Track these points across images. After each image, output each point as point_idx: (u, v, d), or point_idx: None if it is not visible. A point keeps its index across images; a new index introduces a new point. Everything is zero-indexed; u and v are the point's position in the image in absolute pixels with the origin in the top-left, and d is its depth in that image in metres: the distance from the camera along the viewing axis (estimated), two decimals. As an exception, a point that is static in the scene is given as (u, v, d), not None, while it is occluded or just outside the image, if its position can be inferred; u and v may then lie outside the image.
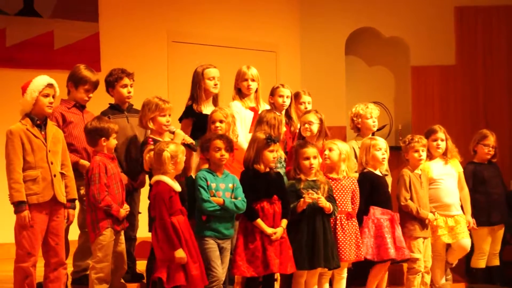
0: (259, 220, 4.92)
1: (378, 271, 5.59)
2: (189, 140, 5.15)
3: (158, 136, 5.12)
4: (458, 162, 6.32)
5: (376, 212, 5.52)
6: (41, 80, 4.71)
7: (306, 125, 5.65)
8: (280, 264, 4.93)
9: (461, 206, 6.26)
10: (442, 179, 6.14)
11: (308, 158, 5.18)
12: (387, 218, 5.54)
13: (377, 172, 5.67)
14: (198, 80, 5.64)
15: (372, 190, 5.54)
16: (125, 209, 4.85)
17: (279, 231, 4.94)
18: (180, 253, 4.55)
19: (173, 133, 5.18)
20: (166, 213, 4.58)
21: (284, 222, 5.00)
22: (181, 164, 4.71)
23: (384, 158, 5.66)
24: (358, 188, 5.46)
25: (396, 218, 5.60)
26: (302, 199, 5.08)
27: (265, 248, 4.89)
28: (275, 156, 5.05)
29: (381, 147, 5.65)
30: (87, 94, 5.33)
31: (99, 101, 5.54)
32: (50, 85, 4.72)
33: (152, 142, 5.01)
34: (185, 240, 4.60)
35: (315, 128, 5.65)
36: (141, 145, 5.13)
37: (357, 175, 5.58)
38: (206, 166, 5.01)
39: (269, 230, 4.91)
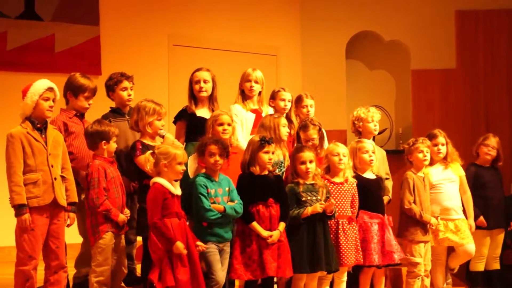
0: (254, 223, 4.91)
1: (366, 275, 5.60)
2: (178, 144, 5.15)
3: (150, 140, 5.12)
4: (459, 166, 6.32)
5: (364, 216, 5.51)
6: (41, 84, 4.72)
7: (310, 142, 5.64)
8: (279, 268, 4.91)
9: (463, 210, 6.26)
10: (441, 184, 6.14)
11: (304, 163, 5.18)
12: (377, 222, 5.53)
13: (368, 174, 5.65)
14: (189, 83, 5.69)
15: (360, 194, 5.51)
16: (125, 214, 4.84)
17: (275, 234, 4.92)
18: (178, 246, 4.51)
19: (163, 137, 5.18)
20: (156, 214, 4.55)
21: (282, 225, 4.98)
22: (174, 168, 4.64)
23: (372, 160, 5.64)
24: (357, 193, 5.46)
25: (386, 222, 5.58)
26: (310, 208, 5.06)
27: (261, 252, 4.88)
28: (271, 157, 5.02)
29: (368, 149, 5.63)
30: (87, 101, 5.32)
31: (99, 106, 5.54)
32: (50, 89, 4.74)
33: (141, 147, 5.03)
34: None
35: (316, 140, 5.68)
36: (131, 149, 5.12)
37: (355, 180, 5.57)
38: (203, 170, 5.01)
39: (265, 233, 4.90)
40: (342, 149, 5.41)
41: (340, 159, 5.39)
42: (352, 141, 5.86)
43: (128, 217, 4.89)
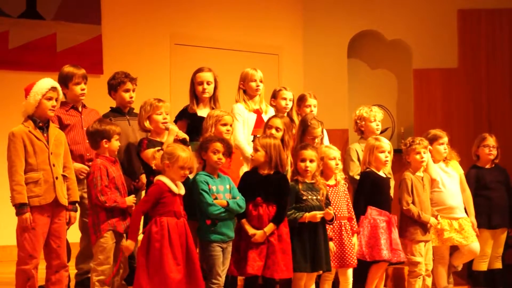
0: (243, 220, 4.92)
1: (375, 272, 5.59)
2: (182, 135, 5.14)
3: (157, 137, 5.12)
4: (458, 164, 6.32)
5: (373, 212, 5.52)
6: (45, 83, 4.71)
7: (316, 140, 5.66)
8: (267, 268, 4.88)
9: (465, 209, 6.26)
10: (444, 182, 6.13)
11: (304, 160, 5.17)
12: (384, 219, 5.54)
13: (380, 173, 5.67)
14: (191, 83, 5.69)
15: (372, 190, 5.54)
16: (130, 199, 4.83)
17: (258, 233, 4.89)
18: (127, 242, 4.61)
19: (168, 129, 5.18)
20: (141, 205, 4.62)
21: (269, 226, 4.91)
22: (175, 170, 4.64)
23: (387, 160, 5.66)
24: (347, 192, 5.49)
25: (393, 221, 5.59)
26: (307, 214, 5.05)
27: (248, 249, 4.88)
28: (252, 155, 5.03)
29: (385, 149, 5.65)
30: (80, 87, 5.29)
31: (99, 103, 5.55)
32: (53, 89, 4.73)
33: (146, 142, 5.05)
34: (171, 242, 4.55)
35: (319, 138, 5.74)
36: (137, 146, 5.14)
37: (343, 181, 5.58)
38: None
39: (250, 231, 4.90)
40: (337, 153, 5.44)
41: (337, 164, 5.42)
42: (370, 137, 5.84)
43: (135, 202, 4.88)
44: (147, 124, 5.12)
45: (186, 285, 4.57)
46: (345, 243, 5.30)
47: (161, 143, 5.02)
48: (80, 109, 5.34)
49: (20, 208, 4.52)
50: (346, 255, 5.29)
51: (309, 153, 5.18)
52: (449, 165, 6.24)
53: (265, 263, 4.88)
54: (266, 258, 4.89)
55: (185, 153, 4.67)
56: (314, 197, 5.13)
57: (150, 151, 4.96)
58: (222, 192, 4.85)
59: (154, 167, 4.78)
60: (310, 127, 5.67)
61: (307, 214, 5.05)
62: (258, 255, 4.87)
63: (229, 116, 5.30)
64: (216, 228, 4.79)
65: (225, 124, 5.24)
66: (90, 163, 5.12)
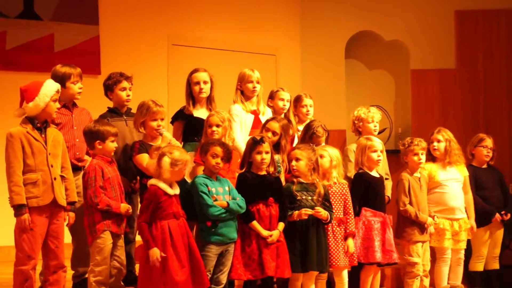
0: (254, 222, 4.90)
1: (367, 273, 5.57)
2: (175, 142, 5.15)
3: (150, 140, 5.14)
4: (464, 166, 6.31)
5: (367, 214, 5.51)
6: (52, 86, 4.73)
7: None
8: (278, 268, 4.90)
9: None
10: (447, 183, 6.13)
11: (291, 160, 5.20)
12: (379, 220, 5.52)
13: (373, 173, 5.66)
14: (187, 84, 5.70)
15: (366, 191, 5.52)
16: (125, 207, 4.83)
17: (275, 233, 4.91)
18: (153, 253, 4.48)
19: (162, 135, 5.18)
20: (143, 216, 4.54)
21: (281, 225, 4.97)
22: (181, 173, 4.65)
23: (379, 160, 5.65)
24: (349, 193, 5.45)
25: (388, 221, 5.57)
26: (296, 212, 5.06)
27: (261, 251, 4.87)
28: (264, 157, 4.98)
29: (377, 149, 5.63)
30: (78, 85, 5.31)
31: (98, 105, 5.55)
32: (58, 91, 4.76)
33: (138, 146, 5.06)
34: (173, 244, 4.54)
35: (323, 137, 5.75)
36: (130, 149, 5.17)
37: (346, 181, 5.55)
38: (201, 169, 5.00)
39: (265, 232, 4.88)
40: (332, 151, 5.42)
41: (331, 161, 5.39)
42: (361, 137, 5.84)
43: (130, 211, 4.88)
44: (141, 128, 5.15)
45: (191, 284, 4.56)
46: (330, 244, 5.25)
47: None
48: (71, 108, 5.35)
49: (18, 209, 4.52)
50: (329, 256, 5.24)
51: (293, 152, 5.20)
52: (455, 166, 6.21)
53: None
54: (276, 258, 4.91)
55: (184, 155, 4.65)
56: (309, 198, 5.13)
57: (144, 155, 4.99)
58: (222, 194, 4.84)
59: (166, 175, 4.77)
60: (315, 134, 5.69)
61: (295, 212, 5.06)
62: (271, 256, 4.88)
63: (214, 117, 5.26)
64: (216, 230, 4.79)
65: (210, 126, 5.23)
66: (80, 163, 5.16)
